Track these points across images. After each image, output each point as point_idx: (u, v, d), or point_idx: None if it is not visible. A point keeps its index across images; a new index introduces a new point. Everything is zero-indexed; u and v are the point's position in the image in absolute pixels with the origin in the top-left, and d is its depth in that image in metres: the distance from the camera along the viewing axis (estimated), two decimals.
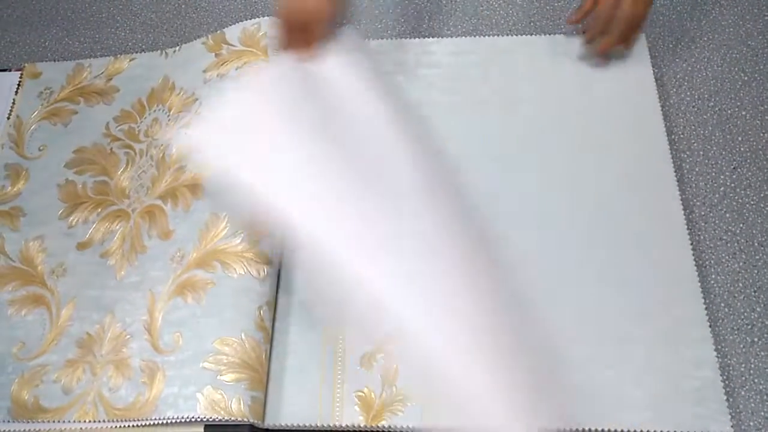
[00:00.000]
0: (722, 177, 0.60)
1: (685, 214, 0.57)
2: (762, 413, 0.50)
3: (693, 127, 0.63)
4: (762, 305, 0.54)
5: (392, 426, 0.50)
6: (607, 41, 0.62)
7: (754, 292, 0.55)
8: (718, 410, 0.49)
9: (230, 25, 0.67)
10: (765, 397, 0.51)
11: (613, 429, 0.49)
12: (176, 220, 0.58)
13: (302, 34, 0.53)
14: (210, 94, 0.64)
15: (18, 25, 0.76)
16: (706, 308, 0.53)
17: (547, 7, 0.72)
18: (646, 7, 0.60)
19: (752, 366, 0.52)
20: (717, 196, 0.59)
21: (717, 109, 0.64)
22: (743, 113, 0.64)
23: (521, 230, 0.57)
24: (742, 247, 0.57)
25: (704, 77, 0.66)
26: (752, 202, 0.59)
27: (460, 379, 0.44)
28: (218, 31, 0.68)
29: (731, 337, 0.53)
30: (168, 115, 0.65)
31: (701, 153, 0.62)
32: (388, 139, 0.52)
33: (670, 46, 0.68)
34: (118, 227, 0.59)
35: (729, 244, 0.57)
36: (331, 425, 0.50)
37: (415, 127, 0.54)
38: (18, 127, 0.68)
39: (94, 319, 0.55)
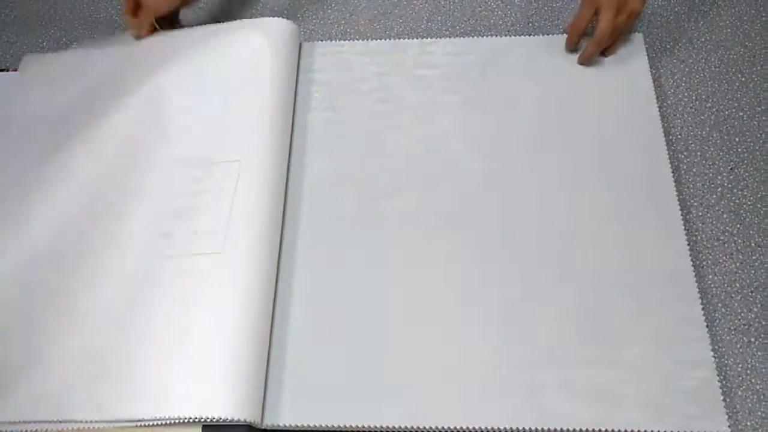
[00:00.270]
0: (720, 178, 0.61)
1: (682, 215, 0.57)
2: (759, 413, 0.50)
3: (690, 127, 0.63)
4: (759, 305, 0.54)
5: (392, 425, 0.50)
6: (585, 53, 0.65)
7: (751, 292, 0.55)
8: (714, 410, 0.49)
9: None
10: (762, 397, 0.51)
11: (609, 429, 0.48)
12: None
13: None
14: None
15: (16, 26, 0.76)
16: (703, 308, 0.53)
17: (545, 8, 0.72)
18: (628, 19, 0.62)
19: (749, 366, 0.52)
20: (714, 196, 0.60)
21: (714, 109, 0.64)
22: (741, 114, 0.64)
23: (518, 230, 0.57)
24: (739, 248, 0.57)
25: (702, 78, 0.66)
26: (749, 203, 0.59)
27: None
28: None
29: (728, 337, 0.53)
30: None
31: (699, 153, 0.62)
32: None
33: (668, 46, 0.68)
34: None
35: (726, 245, 0.57)
36: (331, 425, 0.50)
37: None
38: None
39: None
